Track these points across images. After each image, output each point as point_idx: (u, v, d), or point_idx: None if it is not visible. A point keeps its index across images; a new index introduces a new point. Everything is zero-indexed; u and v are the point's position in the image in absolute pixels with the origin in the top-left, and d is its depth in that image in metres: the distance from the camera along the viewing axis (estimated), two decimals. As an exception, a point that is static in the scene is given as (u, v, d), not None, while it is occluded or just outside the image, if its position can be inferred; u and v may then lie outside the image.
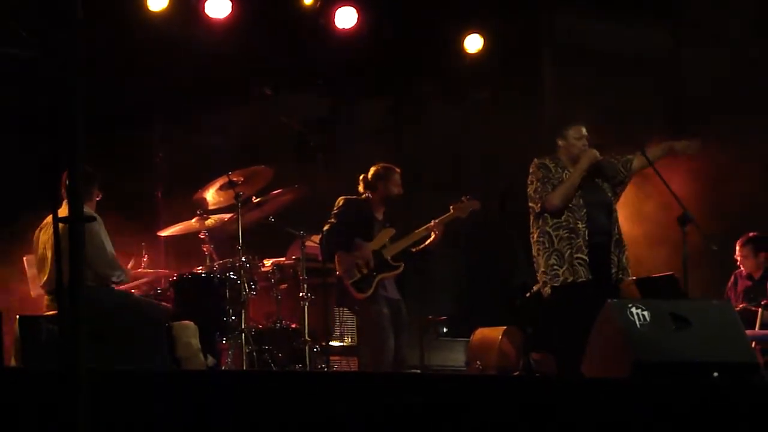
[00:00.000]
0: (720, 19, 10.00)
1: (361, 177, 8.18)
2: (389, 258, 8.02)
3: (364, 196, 8.16)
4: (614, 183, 7.09)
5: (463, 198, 8.24)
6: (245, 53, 9.82)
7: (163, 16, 9.41)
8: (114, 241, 7.43)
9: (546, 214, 6.91)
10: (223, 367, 7.84)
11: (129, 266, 7.88)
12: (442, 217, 8.17)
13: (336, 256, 7.98)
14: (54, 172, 3.98)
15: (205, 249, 8.50)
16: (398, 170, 8.17)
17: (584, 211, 6.88)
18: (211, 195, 8.46)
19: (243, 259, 8.10)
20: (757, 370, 5.95)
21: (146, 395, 4.20)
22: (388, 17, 10.37)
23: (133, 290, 7.95)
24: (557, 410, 4.77)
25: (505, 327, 9.37)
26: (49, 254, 7.20)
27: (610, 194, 7.06)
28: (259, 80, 9.72)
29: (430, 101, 10.95)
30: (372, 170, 8.16)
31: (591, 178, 7.01)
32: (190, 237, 8.72)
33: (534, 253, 6.98)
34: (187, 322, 7.49)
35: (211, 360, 7.67)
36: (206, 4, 9.57)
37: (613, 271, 6.87)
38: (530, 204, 7.01)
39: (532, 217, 7.02)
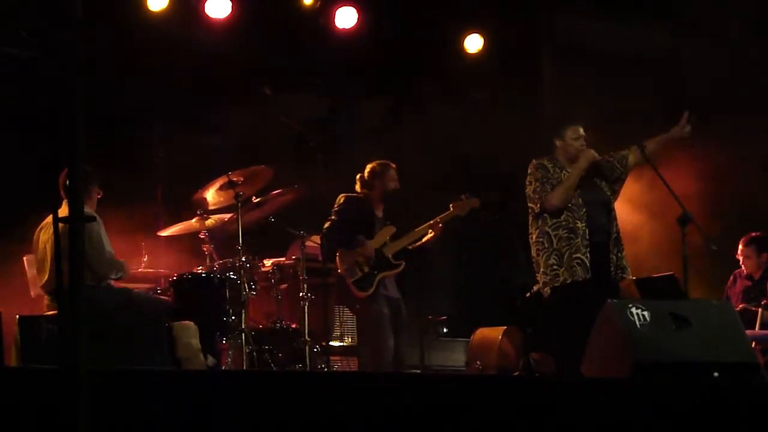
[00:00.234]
0: (720, 19, 10.00)
1: (358, 176, 8.19)
2: (390, 256, 8.03)
3: (363, 194, 8.16)
4: (611, 180, 7.09)
5: (462, 196, 8.24)
6: (245, 53, 9.82)
7: (162, 16, 9.41)
8: (114, 241, 7.43)
9: (545, 215, 6.91)
10: (223, 367, 7.84)
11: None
12: (442, 215, 8.18)
13: (337, 254, 7.99)
14: (54, 172, 3.98)
15: (205, 249, 8.50)
16: (393, 165, 8.18)
17: (584, 210, 6.88)
18: (211, 195, 8.46)
19: (243, 259, 8.10)
20: (758, 371, 5.95)
21: (146, 395, 4.20)
22: (388, 17, 10.37)
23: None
24: (557, 410, 4.77)
25: (505, 327, 9.36)
26: (49, 254, 7.20)
27: (608, 192, 7.06)
28: (259, 80, 9.72)
29: (429, 101, 10.94)
30: (368, 168, 8.17)
31: (589, 177, 7.01)
32: (190, 237, 8.73)
33: (533, 253, 6.98)
34: (187, 322, 7.50)
35: (211, 360, 7.67)
36: (206, 4, 9.57)
37: (612, 270, 6.87)
38: (529, 204, 7.02)
39: (531, 218, 7.02)
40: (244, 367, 7.80)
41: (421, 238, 8.19)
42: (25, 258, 7.86)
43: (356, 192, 8.19)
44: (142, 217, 8.98)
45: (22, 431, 3.89)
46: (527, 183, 7.02)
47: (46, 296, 7.34)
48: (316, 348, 8.37)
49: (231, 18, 9.64)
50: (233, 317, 8.01)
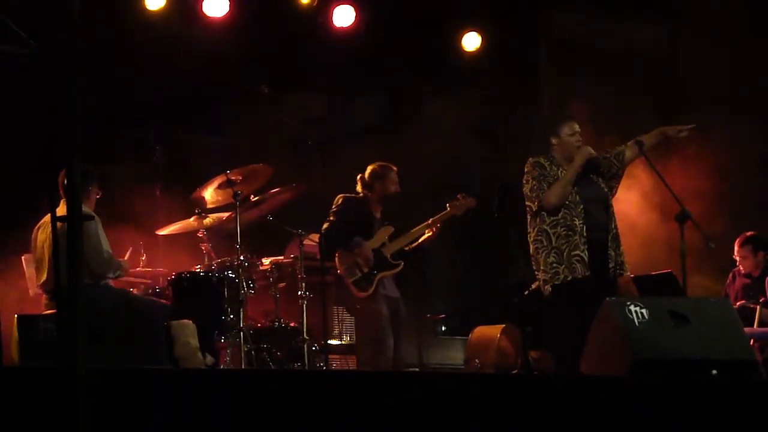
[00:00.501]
0: (719, 19, 9.99)
1: (358, 177, 8.19)
2: (389, 256, 8.03)
3: (362, 195, 8.17)
4: (609, 177, 7.08)
5: (459, 196, 8.25)
6: (243, 52, 9.81)
7: (160, 14, 9.40)
8: (111, 239, 7.42)
9: (543, 212, 6.90)
10: (221, 366, 7.84)
11: (127, 256, 7.87)
12: (439, 215, 8.18)
13: (336, 255, 7.99)
14: (52, 171, 3.98)
15: (203, 248, 8.50)
16: (395, 168, 8.18)
17: (581, 207, 6.87)
18: (210, 194, 8.46)
19: (241, 257, 8.10)
20: (756, 368, 5.95)
21: (145, 394, 4.20)
22: (386, 15, 10.36)
23: (131, 288, 7.95)
24: (556, 409, 4.77)
25: (503, 325, 9.36)
26: (47, 253, 7.20)
27: (606, 189, 7.05)
28: (257, 79, 9.71)
29: (428, 99, 10.95)
30: (369, 169, 8.18)
31: (586, 174, 7.01)
32: (188, 236, 8.72)
33: (532, 252, 6.97)
34: (185, 321, 7.49)
35: (209, 359, 7.67)
36: (204, 3, 9.56)
37: (611, 266, 6.87)
38: (527, 203, 7.01)
39: (529, 216, 7.01)
40: (243, 366, 7.80)
41: (418, 239, 8.20)
42: (23, 257, 7.86)
43: (355, 192, 8.19)
44: (140, 215, 8.97)
45: (22, 430, 3.89)
46: (524, 181, 7.01)
47: (44, 295, 7.34)
48: (315, 347, 8.36)
49: (229, 17, 9.62)
50: (231, 316, 8.01)
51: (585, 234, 6.81)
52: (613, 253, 6.88)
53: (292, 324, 8.43)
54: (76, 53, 3.18)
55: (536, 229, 6.93)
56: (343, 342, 9.08)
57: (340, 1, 10.03)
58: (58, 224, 3.28)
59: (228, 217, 8.37)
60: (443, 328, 10.21)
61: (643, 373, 5.50)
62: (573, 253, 6.78)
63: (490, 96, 10.78)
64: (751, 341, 7.76)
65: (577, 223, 6.83)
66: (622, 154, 7.05)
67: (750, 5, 10.04)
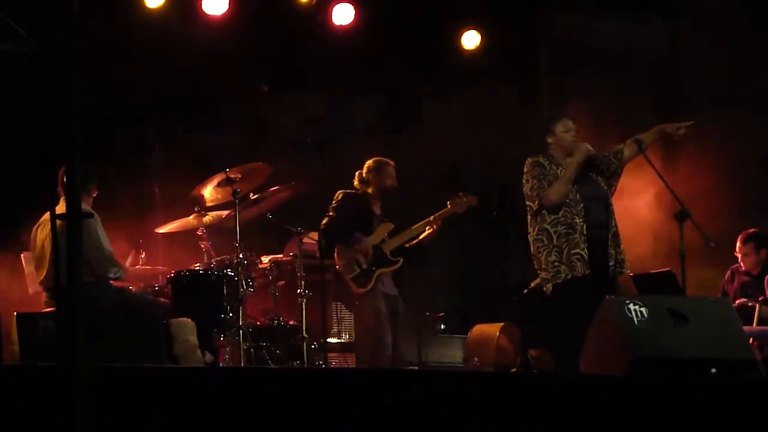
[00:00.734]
0: (719, 19, 9.99)
1: (357, 173, 8.20)
2: (388, 253, 8.04)
3: (361, 191, 8.17)
4: (608, 175, 7.08)
5: (459, 194, 8.25)
6: (242, 50, 9.81)
7: (159, 12, 9.39)
8: (111, 237, 7.42)
9: (543, 211, 6.90)
10: (220, 364, 7.84)
11: (128, 262, 7.88)
12: (440, 212, 8.19)
13: (336, 250, 8.00)
14: (52, 170, 3.98)
15: (202, 246, 8.50)
16: (392, 163, 8.19)
17: (581, 205, 6.87)
18: (209, 192, 8.46)
19: (240, 255, 8.10)
20: (755, 367, 5.95)
21: (144, 392, 4.20)
22: (385, 14, 10.36)
23: (130, 287, 7.95)
24: (555, 407, 4.77)
25: (502, 324, 9.37)
26: (47, 251, 7.20)
27: (605, 187, 7.05)
28: (256, 77, 9.72)
29: (427, 98, 10.95)
30: (365, 165, 8.19)
31: (585, 172, 7.01)
32: (187, 234, 8.72)
33: (533, 251, 6.96)
34: (184, 319, 7.50)
35: (208, 357, 7.67)
36: (203, 1, 9.55)
37: (611, 264, 6.87)
38: (527, 203, 7.00)
39: (529, 216, 7.00)
40: (242, 364, 7.80)
41: (418, 236, 8.20)
42: (23, 255, 7.86)
43: (354, 189, 8.20)
44: (139, 213, 8.98)
45: (21, 428, 3.89)
46: (524, 181, 7.01)
47: (44, 293, 7.34)
48: (314, 345, 8.37)
49: (228, 15, 9.61)
50: (231, 314, 8.01)
51: (585, 232, 6.81)
52: (613, 252, 6.88)
53: (291, 322, 8.44)
54: (76, 53, 3.18)
55: (537, 228, 6.93)
56: (342, 340, 9.08)
57: (340, 0, 10.02)
58: (58, 222, 3.28)
59: (227, 215, 8.37)
60: (442, 327, 10.21)
61: (642, 372, 5.50)
62: (573, 251, 6.78)
63: (490, 96, 10.78)
64: (751, 340, 7.76)
65: (577, 221, 6.83)
66: (620, 152, 7.06)
67: (750, 5, 10.03)
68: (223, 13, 9.59)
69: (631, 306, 5.72)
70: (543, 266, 6.86)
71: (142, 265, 8.28)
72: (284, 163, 8.86)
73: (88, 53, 3.55)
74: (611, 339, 5.78)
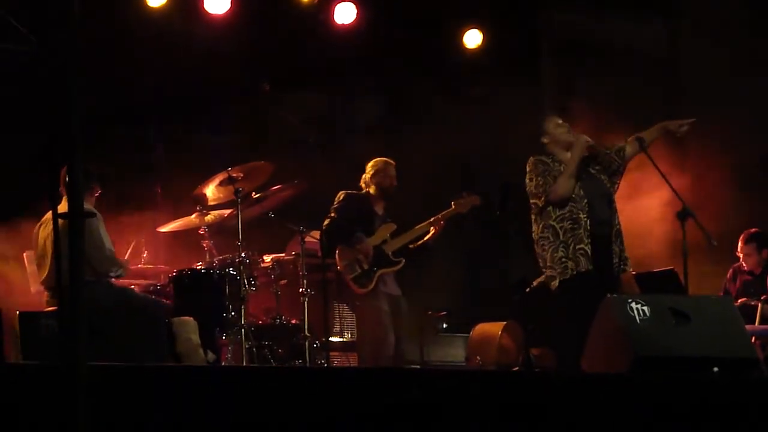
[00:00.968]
0: (719, 19, 9.98)
1: (363, 176, 8.22)
2: (390, 253, 8.03)
3: (364, 191, 8.18)
4: (610, 173, 7.09)
5: (463, 193, 8.26)
6: (244, 49, 9.81)
7: (161, 11, 9.39)
8: (114, 236, 7.43)
9: (549, 208, 6.89)
10: (222, 363, 7.84)
11: (127, 255, 7.88)
12: (443, 212, 8.19)
13: (337, 251, 7.99)
14: (53, 169, 3.98)
15: (204, 245, 8.50)
16: (393, 163, 8.19)
17: (585, 201, 6.86)
18: (211, 191, 8.46)
19: (242, 254, 8.10)
20: (757, 366, 5.94)
21: (146, 391, 4.20)
22: (387, 13, 10.35)
23: (132, 286, 7.96)
24: (557, 406, 4.77)
25: (505, 322, 9.36)
26: (49, 250, 7.21)
27: (608, 185, 7.06)
28: (258, 77, 9.71)
29: (429, 97, 10.94)
30: (367, 166, 8.20)
31: (587, 169, 7.02)
32: (189, 233, 8.73)
33: (538, 249, 6.94)
34: (186, 318, 7.50)
35: (211, 356, 7.67)
36: (205, 0, 9.55)
37: (615, 261, 6.86)
38: (532, 201, 6.99)
39: (534, 214, 6.99)
40: (244, 363, 7.81)
41: (422, 236, 8.20)
42: (24, 254, 7.87)
43: (357, 189, 8.20)
44: (141, 212, 8.98)
45: (22, 427, 3.89)
46: (528, 180, 7.00)
47: (46, 292, 7.34)
48: (316, 344, 8.37)
49: (230, 14, 9.61)
50: (233, 313, 8.02)
51: (589, 228, 6.80)
52: (617, 249, 6.88)
53: (293, 321, 8.44)
54: (77, 52, 3.18)
55: (542, 225, 6.92)
56: (345, 339, 9.09)
57: (341, -1, 10.03)
58: (60, 221, 3.28)
59: (229, 214, 8.38)
60: (444, 325, 10.20)
61: (644, 371, 5.50)
62: (578, 246, 6.77)
63: (491, 95, 10.78)
64: (753, 339, 7.76)
65: (581, 216, 6.82)
66: (622, 150, 7.06)
67: (750, 5, 10.03)
68: (225, 12, 9.58)
69: (633, 305, 5.72)
70: (549, 263, 6.85)
71: (144, 264, 8.29)
72: (286, 162, 8.86)
73: (89, 52, 3.55)
74: (613, 337, 5.78)
